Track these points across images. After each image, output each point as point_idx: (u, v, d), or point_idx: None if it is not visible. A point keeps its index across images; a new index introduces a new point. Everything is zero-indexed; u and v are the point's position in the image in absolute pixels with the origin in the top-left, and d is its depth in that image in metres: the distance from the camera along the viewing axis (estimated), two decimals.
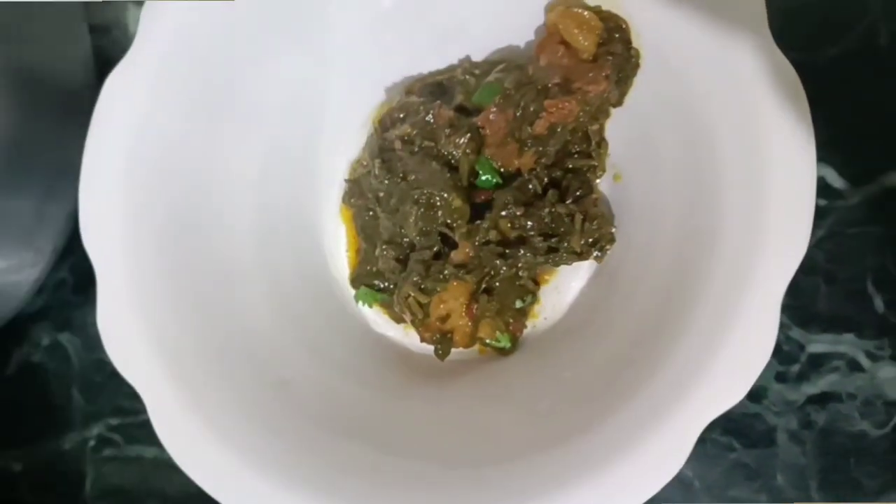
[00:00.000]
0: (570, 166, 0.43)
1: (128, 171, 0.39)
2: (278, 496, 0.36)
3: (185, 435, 0.37)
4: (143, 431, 0.49)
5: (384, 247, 0.43)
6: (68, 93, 0.47)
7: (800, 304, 0.43)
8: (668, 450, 0.33)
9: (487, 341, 0.43)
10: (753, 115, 0.35)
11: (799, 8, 0.44)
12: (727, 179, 0.36)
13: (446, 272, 0.40)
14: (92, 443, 0.50)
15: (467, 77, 0.44)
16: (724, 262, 0.35)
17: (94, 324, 0.38)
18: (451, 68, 0.46)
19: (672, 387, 0.34)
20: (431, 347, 0.43)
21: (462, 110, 0.43)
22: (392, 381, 0.43)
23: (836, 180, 0.44)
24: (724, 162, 0.37)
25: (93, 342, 0.51)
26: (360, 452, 0.38)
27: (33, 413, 0.52)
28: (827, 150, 0.44)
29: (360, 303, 0.45)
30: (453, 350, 0.43)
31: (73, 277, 0.52)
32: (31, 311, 0.51)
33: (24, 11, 0.44)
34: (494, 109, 0.41)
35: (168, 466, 0.48)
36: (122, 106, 0.40)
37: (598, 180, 0.43)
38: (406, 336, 0.45)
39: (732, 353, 0.33)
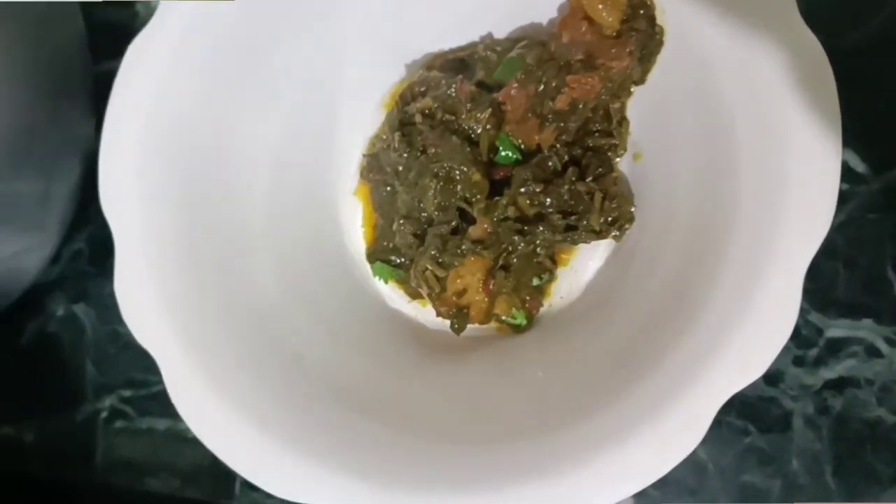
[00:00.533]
0: (591, 144, 0.42)
1: (146, 140, 0.39)
2: (287, 464, 0.36)
3: (198, 400, 0.37)
4: (155, 403, 0.50)
5: (401, 221, 0.43)
6: (62, 71, 0.47)
7: (818, 289, 0.43)
8: (684, 427, 0.33)
9: (503, 318, 0.43)
10: (777, 93, 0.35)
11: None
12: (748, 158, 0.36)
13: (464, 247, 0.40)
14: (104, 414, 0.50)
15: (489, 53, 0.44)
16: (744, 240, 0.35)
17: (109, 294, 0.38)
18: (472, 45, 0.45)
19: (689, 363, 0.34)
20: (447, 323, 0.43)
21: (483, 86, 0.43)
22: (406, 358, 0.43)
23: (858, 165, 0.44)
24: (746, 141, 0.36)
25: (108, 313, 0.51)
26: (371, 427, 0.38)
27: (47, 384, 0.52)
28: (850, 134, 0.43)
29: (377, 277, 0.45)
30: (469, 326, 0.43)
31: (88, 248, 0.52)
32: (47, 281, 0.52)
33: None
34: (516, 85, 0.41)
35: (179, 439, 0.49)
36: (142, 74, 0.40)
37: (618, 159, 0.43)
38: (421, 312, 0.45)
39: (752, 330, 0.33)
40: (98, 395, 0.51)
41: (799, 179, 0.34)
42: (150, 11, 0.40)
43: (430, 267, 0.40)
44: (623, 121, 0.42)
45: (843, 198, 0.43)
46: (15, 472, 0.51)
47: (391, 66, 0.47)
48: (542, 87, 0.40)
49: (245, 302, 0.41)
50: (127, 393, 0.50)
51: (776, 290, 0.33)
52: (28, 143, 0.43)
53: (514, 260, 0.42)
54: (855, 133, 0.43)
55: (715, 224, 0.37)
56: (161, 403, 0.46)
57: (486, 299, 0.41)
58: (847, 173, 0.43)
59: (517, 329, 0.43)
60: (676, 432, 0.33)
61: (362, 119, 0.47)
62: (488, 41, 0.45)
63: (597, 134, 0.42)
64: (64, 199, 0.48)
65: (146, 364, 0.38)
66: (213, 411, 0.37)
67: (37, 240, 0.48)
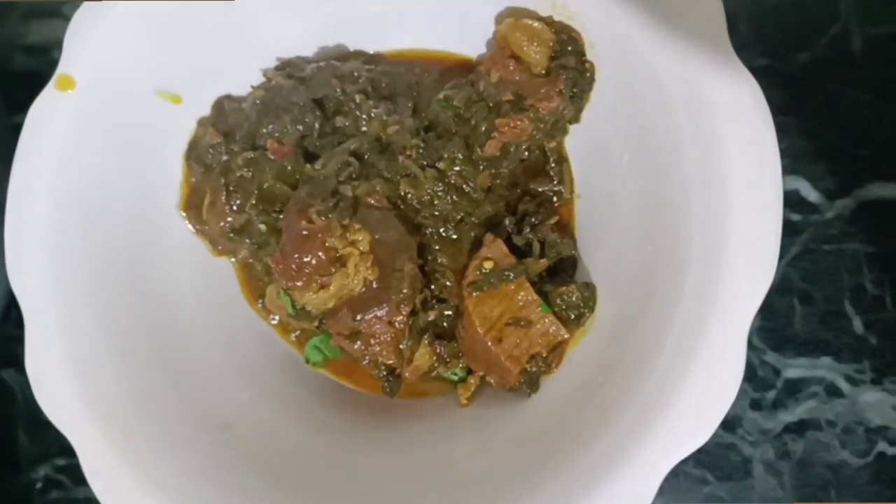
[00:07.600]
0: (533, 188, 0.40)
1: (55, 209, 0.37)
2: None
3: (117, 484, 0.35)
4: None
5: None
6: None
7: (774, 327, 0.41)
8: (629, 495, 0.31)
9: (444, 374, 0.40)
10: (713, 130, 0.33)
11: (768, 12, 0.42)
12: (688, 198, 0.34)
13: None
14: (39, 485, 0.48)
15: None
16: (686, 292, 0.33)
17: None
18: None
19: (631, 431, 0.32)
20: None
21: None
22: (340, 423, 0.40)
23: (810, 193, 0.42)
24: (685, 180, 0.34)
25: None
26: (303, 500, 0.36)
27: None
28: (800, 162, 0.42)
29: (310, 364, 0.42)
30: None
31: (16, 311, 0.49)
32: None
33: None
34: None
35: None
36: (45, 137, 0.37)
37: (559, 202, 0.40)
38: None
39: (695, 394, 0.31)
40: (32, 464, 0.48)
41: (741, 219, 0.32)
42: None
43: None
44: (562, 160, 0.40)
45: (795, 229, 0.41)
46: None
47: None
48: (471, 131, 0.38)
49: (173, 372, 0.39)
50: (61, 462, 0.48)
51: (719, 350, 0.31)
52: None
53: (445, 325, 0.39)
54: (806, 160, 0.41)
55: (656, 270, 0.35)
56: None
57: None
58: (799, 203, 0.41)
59: (458, 383, 0.41)
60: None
61: None
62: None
63: (539, 178, 0.40)
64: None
65: None
66: (132, 495, 0.35)
67: None
